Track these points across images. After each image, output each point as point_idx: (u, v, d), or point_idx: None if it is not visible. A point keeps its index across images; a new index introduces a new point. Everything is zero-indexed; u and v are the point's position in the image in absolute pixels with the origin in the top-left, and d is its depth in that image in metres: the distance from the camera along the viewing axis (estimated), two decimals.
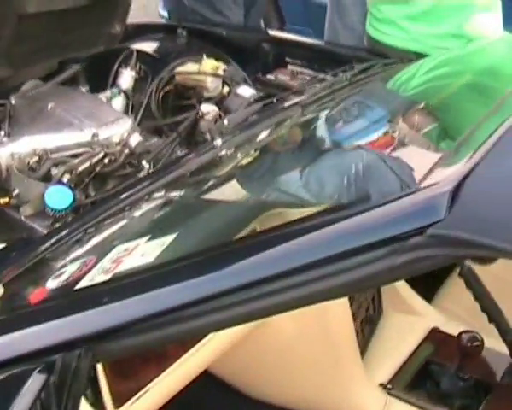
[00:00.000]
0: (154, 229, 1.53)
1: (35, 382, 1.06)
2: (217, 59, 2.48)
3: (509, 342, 1.97)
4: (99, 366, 1.39)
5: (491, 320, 1.99)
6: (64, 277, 1.33)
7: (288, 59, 2.75)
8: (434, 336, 2.13)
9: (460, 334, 1.92)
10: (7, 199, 1.88)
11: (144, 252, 1.27)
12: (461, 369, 1.96)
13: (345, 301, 1.87)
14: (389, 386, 1.97)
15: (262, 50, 2.81)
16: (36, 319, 1.16)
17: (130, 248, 1.31)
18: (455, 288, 2.17)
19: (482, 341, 1.92)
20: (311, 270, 1.00)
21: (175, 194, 1.75)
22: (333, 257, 1.00)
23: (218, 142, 1.85)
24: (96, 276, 1.25)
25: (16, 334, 1.15)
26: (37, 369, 1.06)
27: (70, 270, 1.34)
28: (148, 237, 1.39)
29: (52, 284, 1.34)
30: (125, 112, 2.34)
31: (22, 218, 1.82)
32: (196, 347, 1.60)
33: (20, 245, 1.60)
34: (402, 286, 2.22)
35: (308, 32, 3.74)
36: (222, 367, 1.87)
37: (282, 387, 1.94)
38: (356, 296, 2.02)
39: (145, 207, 1.63)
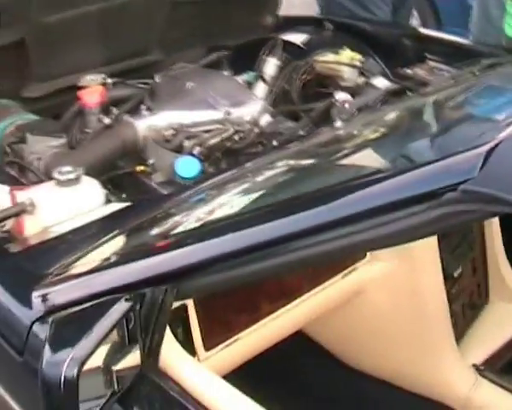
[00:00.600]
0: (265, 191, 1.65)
1: (121, 307, 1.24)
2: (356, 51, 2.60)
3: None
4: (192, 310, 1.57)
5: None
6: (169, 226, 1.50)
7: (427, 55, 2.82)
8: None
9: None
10: (143, 167, 2.09)
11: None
12: None
13: (440, 281, 1.97)
14: (481, 367, 2.04)
15: (403, 45, 2.90)
16: (133, 258, 1.35)
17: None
18: None
19: None
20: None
21: (293, 163, 1.90)
22: (380, 208, 1.13)
23: (339, 123, 1.98)
24: (190, 224, 1.43)
25: (115, 270, 1.34)
26: (126, 297, 1.24)
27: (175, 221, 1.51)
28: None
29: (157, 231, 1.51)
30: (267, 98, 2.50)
31: (153, 184, 1.99)
32: (289, 305, 1.75)
33: (145, 203, 1.76)
34: (510, 276, 2.28)
35: (465, 33, 3.78)
36: (319, 332, 2.01)
37: (374, 357, 2.07)
38: (459, 280, 2.11)
39: (263, 174, 1.77)
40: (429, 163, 1.18)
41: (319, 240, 1.19)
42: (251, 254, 1.22)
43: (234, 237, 1.27)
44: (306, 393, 2.05)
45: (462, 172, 1.11)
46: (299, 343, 2.03)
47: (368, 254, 1.93)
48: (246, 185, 1.69)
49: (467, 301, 2.18)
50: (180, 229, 1.46)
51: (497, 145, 1.12)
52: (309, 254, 1.21)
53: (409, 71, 2.76)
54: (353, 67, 2.51)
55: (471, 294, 2.21)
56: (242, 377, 1.48)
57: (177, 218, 1.55)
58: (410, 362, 2.03)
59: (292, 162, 1.83)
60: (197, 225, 1.45)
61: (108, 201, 1.82)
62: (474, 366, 2.06)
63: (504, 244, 2.30)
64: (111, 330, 1.24)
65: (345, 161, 1.65)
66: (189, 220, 1.50)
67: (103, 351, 1.25)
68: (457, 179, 1.10)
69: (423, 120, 1.99)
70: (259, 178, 1.71)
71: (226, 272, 1.26)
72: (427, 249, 1.96)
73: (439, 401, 2.03)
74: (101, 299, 1.27)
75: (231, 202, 1.56)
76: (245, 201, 1.52)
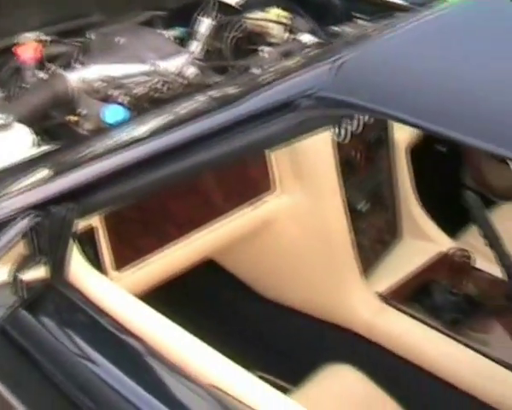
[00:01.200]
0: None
1: (28, 221, 1.39)
2: (288, 10, 2.76)
3: (505, 266, 2.16)
4: (102, 232, 1.72)
5: (491, 246, 2.18)
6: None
7: (354, 13, 2.98)
8: (441, 259, 2.33)
9: (451, 250, 2.12)
10: (76, 117, 2.24)
11: None
12: (453, 285, 2.17)
13: (343, 213, 2.13)
14: (385, 295, 2.20)
15: (332, 5, 3.05)
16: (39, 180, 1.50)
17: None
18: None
19: (472, 257, 2.12)
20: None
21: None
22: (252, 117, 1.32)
23: (256, 70, 2.14)
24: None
25: (23, 192, 1.49)
26: (32, 214, 1.39)
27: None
28: None
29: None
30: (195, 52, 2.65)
31: (81, 131, 2.14)
32: (197, 232, 1.90)
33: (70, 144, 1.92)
34: (421, 215, 2.44)
35: None
36: (231, 262, 2.17)
37: (283, 286, 2.24)
38: (368, 216, 2.27)
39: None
40: (290, 75, 1.35)
41: (202, 149, 1.36)
42: (141, 168, 1.38)
43: (126, 154, 1.43)
44: (217, 320, 2.20)
45: (317, 81, 1.28)
46: (213, 272, 2.19)
47: (277, 186, 2.09)
48: (155, 120, 1.84)
49: (376, 236, 2.34)
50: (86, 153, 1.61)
51: (348, 58, 1.29)
52: (192, 164, 1.39)
53: (337, 29, 2.92)
54: (280, 23, 2.67)
55: (380, 229, 2.37)
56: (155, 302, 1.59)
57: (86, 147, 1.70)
58: (317, 290, 2.20)
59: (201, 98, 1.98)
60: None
61: (39, 146, 1.96)
62: (379, 294, 2.21)
63: (417, 185, 2.46)
64: (16, 242, 1.38)
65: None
66: (96, 146, 1.65)
67: (13, 262, 1.40)
68: (313, 88, 1.27)
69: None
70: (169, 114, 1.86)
71: (121, 186, 1.42)
72: (330, 184, 2.12)
73: (346, 326, 2.19)
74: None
75: (138, 130, 1.70)
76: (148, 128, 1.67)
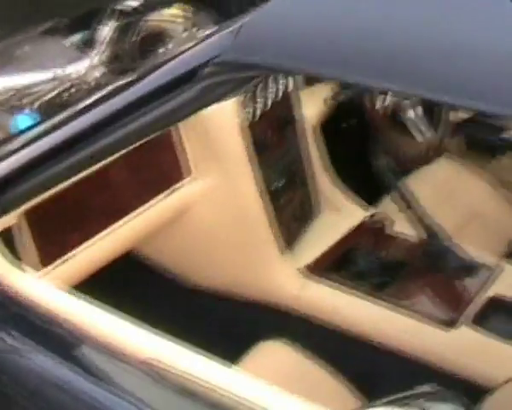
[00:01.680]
0: None
1: None
2: (190, 6, 2.80)
3: (425, 225, 2.24)
4: (23, 228, 1.72)
5: (408, 207, 2.26)
6: None
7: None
8: (359, 228, 2.39)
9: (370, 216, 2.18)
10: None
11: None
12: (374, 248, 2.22)
13: (258, 193, 2.17)
14: (310, 268, 2.24)
15: None
16: None
17: None
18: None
19: (390, 221, 2.18)
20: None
21: None
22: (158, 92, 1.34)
23: None
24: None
25: None
26: None
27: None
28: None
29: None
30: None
31: None
32: (118, 223, 1.91)
33: None
34: (335, 190, 2.50)
35: None
36: (153, 251, 2.18)
37: (207, 271, 2.26)
38: (283, 193, 2.31)
39: None
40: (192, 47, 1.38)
41: (113, 130, 1.38)
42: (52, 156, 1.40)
43: (35, 146, 1.44)
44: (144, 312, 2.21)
45: (220, 47, 1.31)
46: (137, 264, 2.19)
47: (191, 171, 2.12)
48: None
49: (294, 212, 2.38)
50: None
51: (248, 21, 1.33)
52: (104, 146, 1.40)
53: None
54: (179, 22, 2.71)
55: (298, 206, 2.41)
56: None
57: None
58: (241, 271, 2.23)
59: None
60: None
61: None
62: (304, 267, 2.25)
63: (330, 160, 2.52)
64: None
65: None
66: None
67: None
68: (216, 54, 1.30)
69: None
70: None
71: (34, 178, 1.43)
72: (243, 164, 2.15)
73: (275, 303, 2.22)
74: None
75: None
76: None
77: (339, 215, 2.47)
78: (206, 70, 1.33)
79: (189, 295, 2.26)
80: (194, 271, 2.26)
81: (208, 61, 1.34)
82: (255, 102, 2.22)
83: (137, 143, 1.54)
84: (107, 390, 1.40)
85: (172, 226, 2.14)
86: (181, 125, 2.07)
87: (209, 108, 1.93)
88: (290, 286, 2.22)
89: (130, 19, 2.91)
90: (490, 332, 2.01)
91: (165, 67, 1.43)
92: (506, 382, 1.58)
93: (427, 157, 2.56)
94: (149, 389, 1.37)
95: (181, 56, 1.42)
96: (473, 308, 2.07)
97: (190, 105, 1.39)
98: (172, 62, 1.42)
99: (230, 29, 1.35)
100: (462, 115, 2.79)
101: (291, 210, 2.38)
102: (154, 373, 1.36)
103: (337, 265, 2.29)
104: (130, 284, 2.21)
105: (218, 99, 1.40)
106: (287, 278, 2.24)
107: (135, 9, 2.98)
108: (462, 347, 1.99)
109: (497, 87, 1.05)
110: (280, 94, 2.32)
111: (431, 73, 1.10)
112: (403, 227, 2.32)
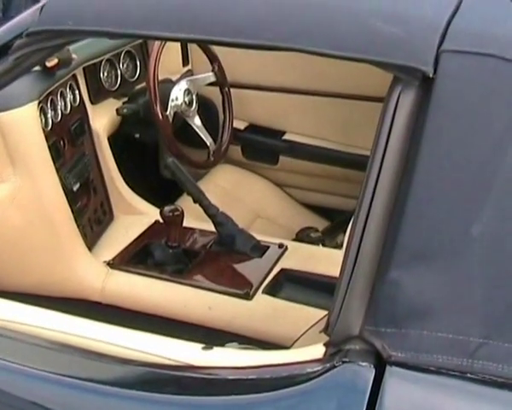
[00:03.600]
0: None
1: None
2: None
3: (211, 216, 2.42)
4: None
5: (195, 201, 2.43)
6: None
7: None
8: (154, 226, 2.55)
9: (162, 208, 2.34)
10: None
11: None
12: (169, 239, 2.38)
13: (61, 193, 2.27)
14: (111, 262, 2.36)
15: None
16: None
17: None
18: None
19: (182, 212, 2.34)
20: None
21: None
22: None
23: None
24: None
25: None
26: None
27: None
28: None
29: None
30: None
31: None
32: None
33: None
34: (129, 194, 2.65)
35: None
36: None
37: (15, 274, 2.31)
38: (80, 197, 2.43)
39: None
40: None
41: None
42: None
43: None
44: None
45: (28, 22, 1.45)
46: None
47: None
48: None
49: (92, 216, 2.50)
50: None
51: None
52: None
53: None
54: None
55: (95, 210, 2.54)
56: None
57: None
58: (49, 272, 2.31)
59: None
60: None
61: None
62: (106, 262, 2.37)
63: (123, 168, 2.67)
64: None
65: None
66: None
67: None
68: (24, 29, 1.44)
69: None
70: None
71: None
72: (44, 167, 2.25)
73: (82, 298, 2.32)
74: None
75: None
76: None
77: (134, 217, 2.62)
78: (18, 42, 1.46)
79: None
80: (2, 275, 2.30)
81: (20, 34, 1.47)
82: (52, 109, 2.34)
83: None
84: None
85: None
86: None
87: (5, 114, 2.08)
88: (95, 279, 2.33)
89: None
90: (280, 299, 2.22)
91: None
92: (298, 339, 1.77)
93: (210, 163, 2.75)
94: None
95: None
96: (265, 281, 2.28)
97: (5, 76, 1.51)
98: None
99: (39, 5, 1.49)
100: (242, 124, 3.05)
101: (90, 213, 2.50)
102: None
103: (136, 259, 2.43)
104: None
105: (29, 68, 1.53)
106: (92, 273, 2.35)
107: None
108: (259, 314, 2.18)
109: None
110: (70, 106, 2.46)
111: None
112: (195, 223, 2.51)
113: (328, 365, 1.22)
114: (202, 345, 1.41)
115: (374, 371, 1.19)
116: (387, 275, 1.20)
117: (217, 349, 1.41)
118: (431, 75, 1.21)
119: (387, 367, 1.19)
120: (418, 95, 1.22)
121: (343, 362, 1.21)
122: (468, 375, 1.16)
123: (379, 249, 1.21)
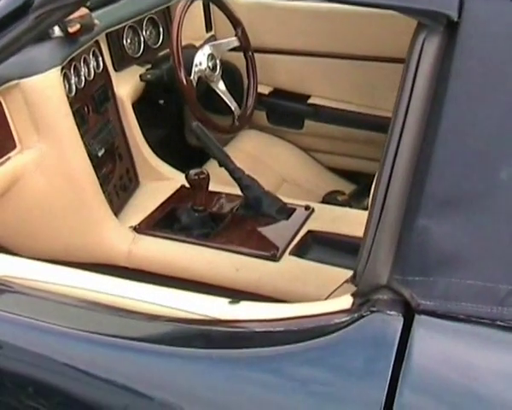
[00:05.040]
0: None
1: None
2: None
3: (237, 179, 2.41)
4: None
5: (220, 165, 2.43)
6: None
7: None
8: (180, 190, 2.55)
9: (188, 172, 2.34)
10: None
11: None
12: (195, 203, 2.38)
13: (86, 160, 2.28)
14: (137, 227, 2.37)
15: None
16: None
17: None
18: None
19: (208, 175, 2.34)
20: None
21: None
22: None
23: None
24: None
25: None
26: None
27: None
28: None
29: None
30: None
31: None
32: None
33: None
34: (154, 160, 2.65)
35: None
36: None
37: (44, 240, 2.32)
38: (106, 163, 2.43)
39: None
40: None
41: None
42: None
43: None
44: None
45: None
46: None
47: (17, 143, 2.19)
48: None
49: (118, 182, 2.51)
50: None
51: None
52: None
53: None
54: None
55: (121, 177, 2.54)
56: None
57: None
58: (75, 236, 2.32)
59: None
60: None
61: None
62: (132, 227, 2.38)
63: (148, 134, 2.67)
64: None
65: None
66: None
67: None
68: None
69: None
70: None
71: None
72: (69, 133, 2.25)
73: (108, 263, 2.33)
74: None
75: None
76: None
77: (159, 183, 2.62)
78: (37, 1, 1.46)
79: None
80: (29, 242, 2.32)
81: None
82: (76, 75, 2.34)
83: None
84: None
85: (4, 201, 2.20)
86: (1, 99, 2.15)
87: (29, 80, 2.08)
88: (122, 243, 2.34)
89: None
90: (308, 260, 2.21)
91: None
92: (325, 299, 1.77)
93: (235, 128, 2.75)
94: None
95: None
96: (292, 243, 2.27)
97: (26, 35, 1.51)
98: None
99: None
100: (267, 89, 3.03)
101: (114, 180, 2.50)
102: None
103: (162, 223, 2.43)
104: None
105: (51, 26, 1.52)
106: (118, 237, 2.35)
107: None
108: (286, 275, 2.18)
109: None
110: (94, 72, 2.46)
111: None
112: (221, 187, 2.50)
113: (355, 315, 1.21)
114: (229, 299, 1.41)
115: (402, 320, 1.18)
116: (415, 223, 1.19)
117: (243, 303, 1.40)
118: (456, 19, 1.19)
119: (416, 316, 1.18)
120: (443, 41, 1.20)
121: (371, 312, 1.20)
122: (498, 322, 1.15)
123: (405, 198, 1.20)
